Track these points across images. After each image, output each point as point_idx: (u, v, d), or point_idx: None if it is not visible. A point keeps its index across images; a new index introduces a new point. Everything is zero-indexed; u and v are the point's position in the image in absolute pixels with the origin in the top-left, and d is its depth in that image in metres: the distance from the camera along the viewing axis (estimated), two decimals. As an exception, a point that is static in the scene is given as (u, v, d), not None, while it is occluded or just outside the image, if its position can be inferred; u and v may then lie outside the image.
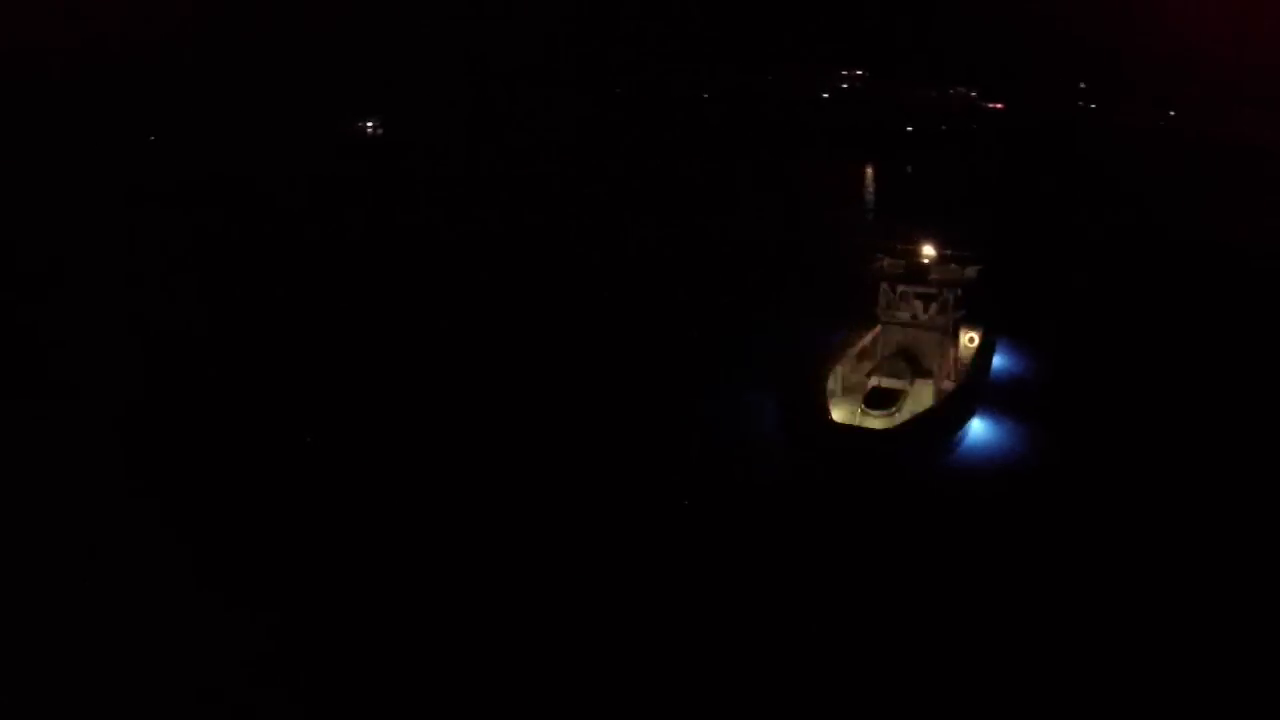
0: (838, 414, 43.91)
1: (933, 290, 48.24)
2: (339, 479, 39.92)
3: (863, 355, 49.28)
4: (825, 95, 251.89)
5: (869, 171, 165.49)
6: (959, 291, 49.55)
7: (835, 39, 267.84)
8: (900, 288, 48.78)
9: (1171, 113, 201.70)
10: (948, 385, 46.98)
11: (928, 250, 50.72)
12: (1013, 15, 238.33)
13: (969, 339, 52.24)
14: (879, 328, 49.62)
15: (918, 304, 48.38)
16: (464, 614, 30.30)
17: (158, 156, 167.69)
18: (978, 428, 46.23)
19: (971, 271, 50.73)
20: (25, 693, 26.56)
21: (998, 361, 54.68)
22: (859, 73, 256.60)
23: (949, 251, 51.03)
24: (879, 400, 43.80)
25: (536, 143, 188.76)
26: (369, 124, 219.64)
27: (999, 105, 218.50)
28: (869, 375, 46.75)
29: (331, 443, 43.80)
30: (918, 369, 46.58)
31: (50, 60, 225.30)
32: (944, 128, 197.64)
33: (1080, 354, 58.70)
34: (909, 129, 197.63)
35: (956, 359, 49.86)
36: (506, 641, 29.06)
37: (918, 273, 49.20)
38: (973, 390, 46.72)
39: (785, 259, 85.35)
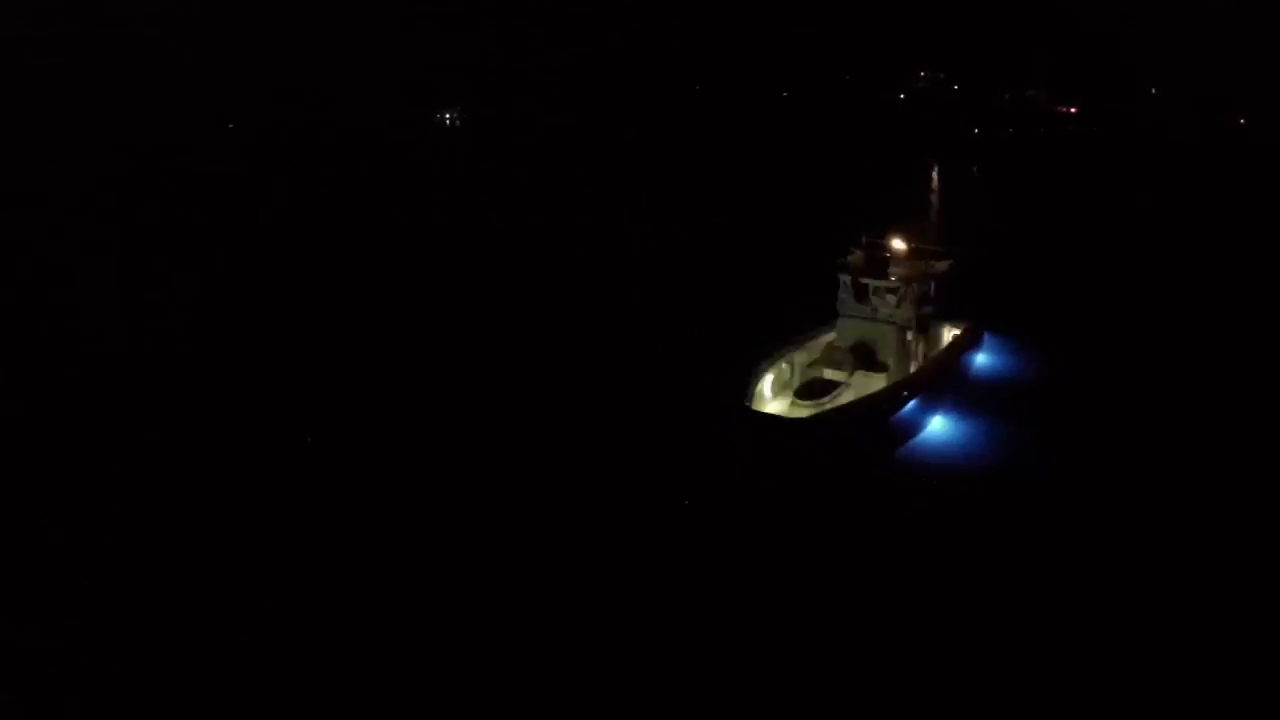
0: (781, 404, 44.41)
1: (895, 284, 47.74)
2: (339, 479, 39.71)
3: (826, 347, 49.06)
4: (901, 96, 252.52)
5: (934, 172, 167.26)
6: (929, 286, 49.12)
7: (917, 39, 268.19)
8: (863, 281, 48.39)
9: (1241, 120, 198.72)
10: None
11: (897, 244, 49.80)
12: (1097, 19, 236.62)
13: (952, 335, 52.35)
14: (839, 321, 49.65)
15: (890, 297, 47.87)
16: (464, 614, 30.33)
17: (230, 144, 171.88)
18: (939, 424, 45.65)
19: (943, 266, 50.57)
20: (24, 692, 26.69)
21: (984, 358, 54.70)
22: (939, 75, 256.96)
23: (920, 246, 50.49)
24: (810, 391, 44.10)
25: (612, 136, 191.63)
26: (448, 115, 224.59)
27: (1072, 109, 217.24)
28: (810, 366, 47.18)
29: (332, 443, 43.60)
30: (870, 362, 46.60)
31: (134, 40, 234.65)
32: (1011, 130, 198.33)
33: (1077, 355, 58.14)
34: (975, 130, 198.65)
35: (927, 354, 49.39)
36: (505, 642, 29.08)
37: (880, 266, 48.59)
38: (920, 384, 45.66)
39: (788, 256, 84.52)
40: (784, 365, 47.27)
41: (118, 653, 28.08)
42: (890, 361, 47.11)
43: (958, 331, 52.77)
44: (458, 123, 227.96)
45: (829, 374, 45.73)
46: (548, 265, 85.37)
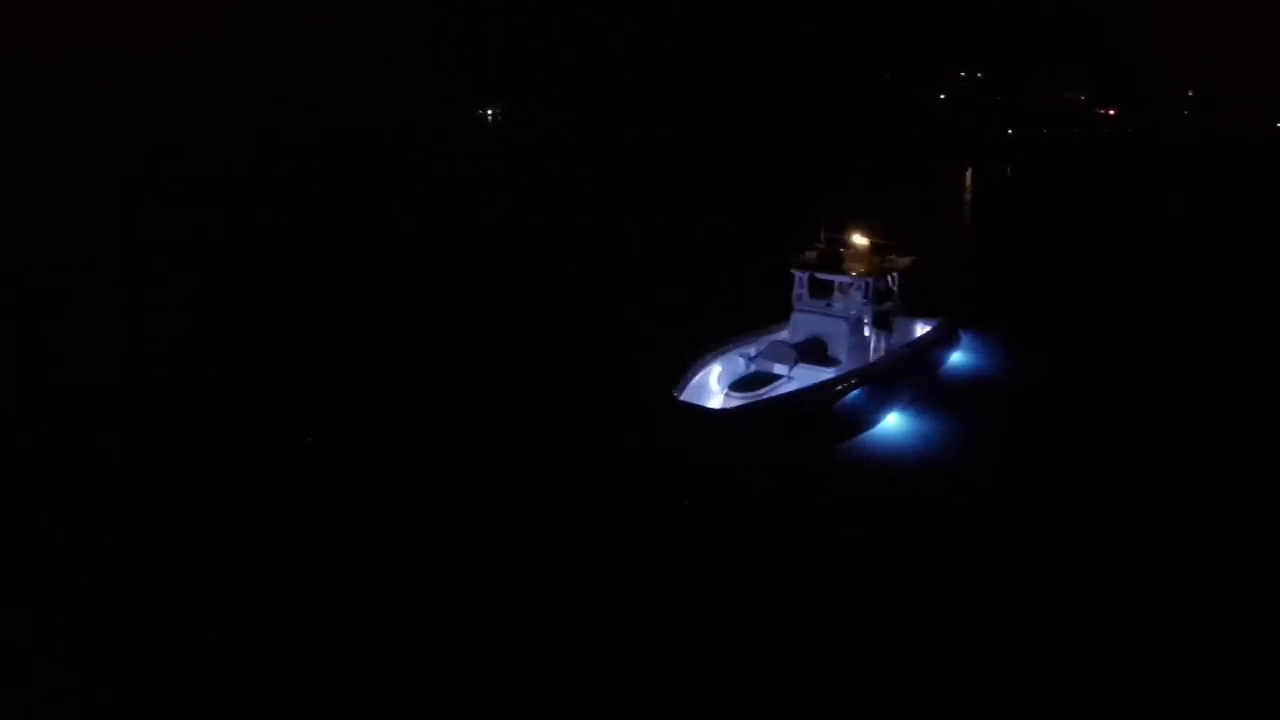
0: (721, 398, 45.02)
1: (849, 279, 47.93)
2: (339, 479, 38.83)
3: (771, 343, 48.56)
4: (942, 96, 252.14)
5: (968, 173, 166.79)
6: (888, 281, 49.46)
7: (958, 40, 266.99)
8: (817, 276, 48.62)
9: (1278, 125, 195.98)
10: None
11: (857, 240, 49.72)
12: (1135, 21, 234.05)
13: (922, 331, 52.14)
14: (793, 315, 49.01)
15: (855, 293, 47.95)
16: (462, 616, 29.72)
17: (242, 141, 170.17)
18: (894, 419, 44.92)
19: (904, 262, 50.67)
20: (21, 694, 26.02)
21: (961, 357, 54.41)
22: (977, 75, 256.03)
23: (882, 242, 50.30)
24: (746, 384, 44.25)
25: (651, 136, 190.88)
26: (489, 111, 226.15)
27: (1111, 111, 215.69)
28: (753, 360, 46.75)
29: (332, 443, 42.50)
30: (819, 357, 46.39)
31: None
32: (1045, 131, 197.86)
33: (1059, 355, 57.01)
34: (1009, 131, 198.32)
35: (889, 349, 49.10)
36: (505, 644, 28.36)
37: (834, 262, 48.68)
38: (869, 378, 45.36)
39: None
40: (738, 358, 47.06)
41: (117, 653, 27.79)
42: (842, 356, 46.37)
43: (929, 328, 52.43)
44: (499, 119, 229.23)
45: (776, 368, 45.19)
46: (538, 263, 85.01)
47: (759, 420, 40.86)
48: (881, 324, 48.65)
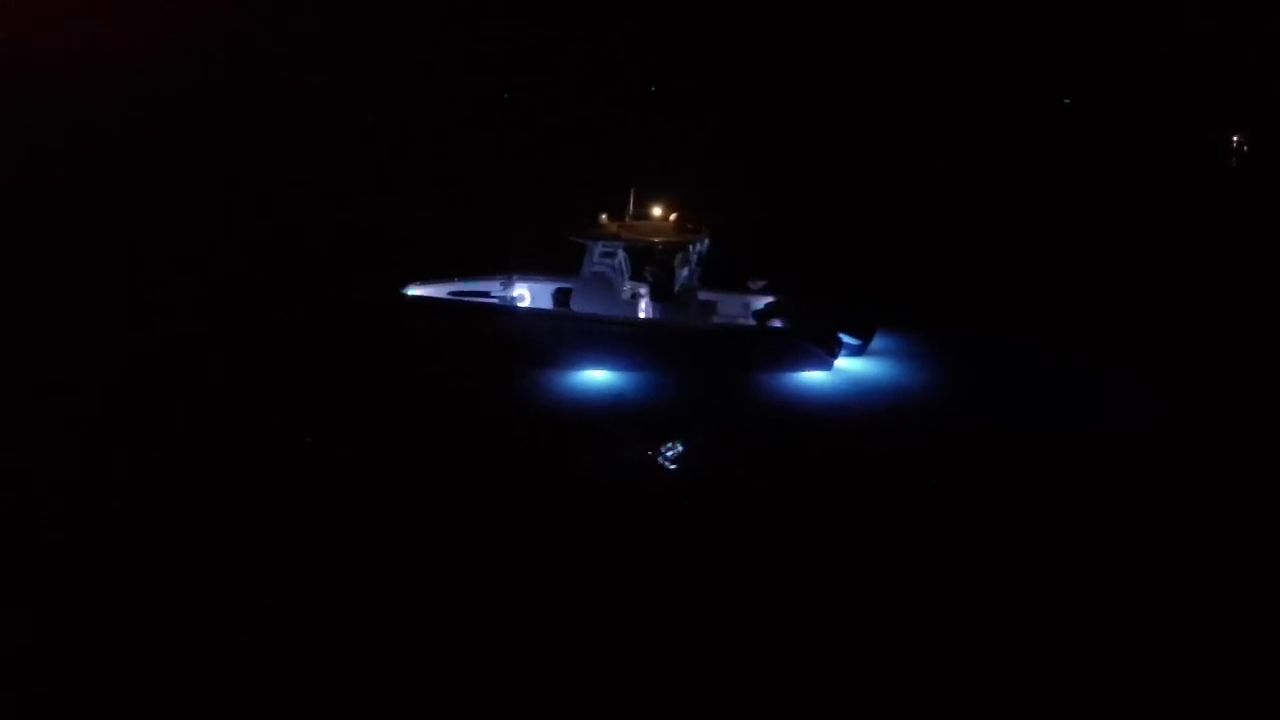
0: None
1: (615, 248, 51.75)
2: (339, 480, 39.03)
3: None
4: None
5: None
6: (667, 253, 50.34)
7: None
8: (574, 239, 51.90)
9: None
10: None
11: (655, 211, 51.88)
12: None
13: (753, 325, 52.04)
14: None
15: (596, 251, 51.36)
16: (461, 617, 29.94)
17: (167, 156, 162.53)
18: (597, 372, 47.76)
19: (687, 237, 50.63)
20: (21, 694, 26.68)
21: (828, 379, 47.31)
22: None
23: (682, 214, 51.57)
24: (457, 293, 51.13)
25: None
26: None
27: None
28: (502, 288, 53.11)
29: (331, 443, 42.69)
30: (560, 300, 52.26)
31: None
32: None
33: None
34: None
35: (673, 324, 51.20)
36: (505, 645, 28.39)
37: (604, 227, 51.70)
38: (545, 320, 50.97)
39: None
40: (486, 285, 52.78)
41: (116, 653, 27.95)
42: (576, 304, 51.39)
43: (776, 324, 49.96)
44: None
45: (491, 290, 51.82)
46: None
47: (420, 313, 49.03)
48: (659, 295, 51.57)
